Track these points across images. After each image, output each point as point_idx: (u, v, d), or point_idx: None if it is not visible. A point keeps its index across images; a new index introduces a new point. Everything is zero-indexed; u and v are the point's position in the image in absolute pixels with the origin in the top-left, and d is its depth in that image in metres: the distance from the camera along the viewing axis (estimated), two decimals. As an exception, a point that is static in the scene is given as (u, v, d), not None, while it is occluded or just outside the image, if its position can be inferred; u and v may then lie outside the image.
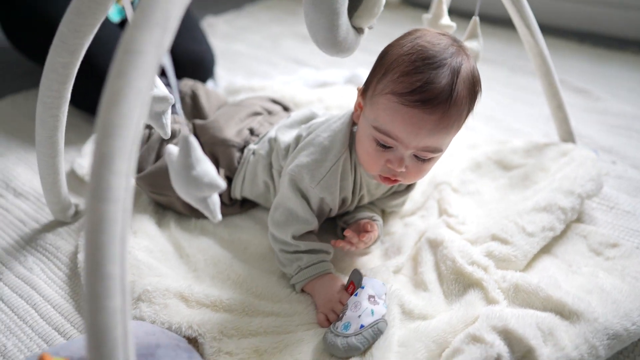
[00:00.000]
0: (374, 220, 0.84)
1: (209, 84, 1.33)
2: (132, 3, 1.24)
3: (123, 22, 1.25)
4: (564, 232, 0.85)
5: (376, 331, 0.65)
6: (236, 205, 0.91)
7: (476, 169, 1.03)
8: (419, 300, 0.72)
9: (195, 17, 1.35)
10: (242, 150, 0.89)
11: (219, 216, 0.54)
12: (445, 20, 0.92)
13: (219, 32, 1.84)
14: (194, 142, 0.51)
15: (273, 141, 0.86)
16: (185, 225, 0.88)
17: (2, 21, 1.24)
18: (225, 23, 1.94)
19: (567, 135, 1.06)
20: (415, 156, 0.67)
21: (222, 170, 0.88)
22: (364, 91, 0.71)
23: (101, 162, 0.37)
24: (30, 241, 0.85)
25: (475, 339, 0.62)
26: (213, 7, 2.06)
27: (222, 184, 0.50)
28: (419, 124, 0.63)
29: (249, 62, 1.62)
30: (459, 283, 0.73)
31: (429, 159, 0.69)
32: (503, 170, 1.03)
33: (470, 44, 0.84)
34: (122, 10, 1.25)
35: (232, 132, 0.89)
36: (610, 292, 0.70)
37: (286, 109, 1.03)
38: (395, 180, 0.71)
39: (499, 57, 1.67)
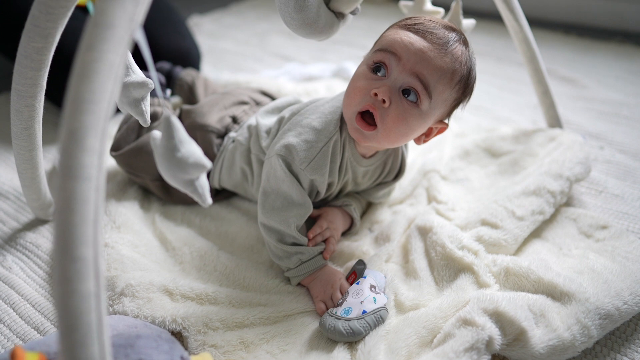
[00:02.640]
0: (346, 205, 0.83)
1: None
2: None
3: None
4: (553, 216, 0.85)
5: (378, 318, 0.64)
6: (210, 193, 0.90)
7: (465, 156, 1.03)
8: (410, 290, 0.71)
9: (180, 13, 1.34)
10: (222, 137, 0.87)
11: (209, 199, 0.52)
12: (429, 6, 0.92)
13: (205, 30, 1.82)
14: (176, 122, 0.50)
15: (252, 127, 0.84)
16: (171, 218, 0.86)
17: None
18: (212, 21, 1.92)
19: (555, 121, 1.06)
20: (402, 92, 0.65)
21: None
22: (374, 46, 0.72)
23: (71, 138, 0.36)
24: (10, 240, 0.83)
25: (466, 322, 0.61)
26: (199, 6, 2.04)
27: (208, 162, 0.49)
28: (418, 43, 0.64)
29: (236, 58, 1.60)
30: (450, 268, 0.72)
31: (412, 105, 0.66)
32: (492, 157, 1.02)
33: (464, 22, 0.84)
34: None
35: (213, 118, 0.87)
36: (601, 273, 0.70)
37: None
38: (371, 126, 0.67)
39: (486, 48, 1.67)
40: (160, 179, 0.88)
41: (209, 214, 0.87)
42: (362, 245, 0.81)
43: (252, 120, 0.86)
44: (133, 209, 0.85)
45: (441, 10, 0.90)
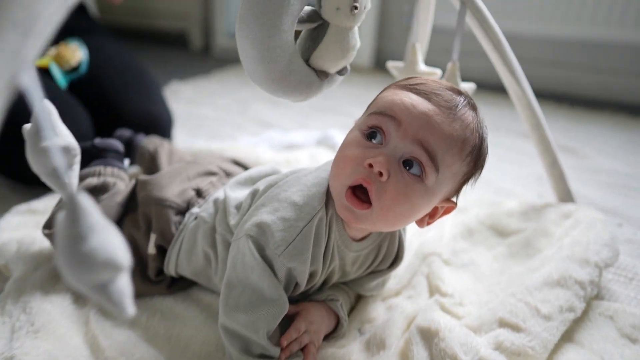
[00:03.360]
0: (331, 300, 0.67)
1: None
2: (80, 67, 1.13)
3: (73, 86, 1.12)
4: (584, 313, 0.69)
5: None
6: (163, 284, 0.73)
7: (468, 235, 0.89)
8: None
9: (153, 78, 1.25)
10: (183, 214, 0.72)
11: (130, 309, 0.37)
12: (423, 67, 0.82)
13: (184, 97, 1.74)
14: (85, 202, 0.35)
15: (219, 202, 0.69)
16: (110, 316, 0.68)
17: None
18: (192, 88, 1.85)
19: (565, 195, 0.94)
20: (403, 164, 0.54)
21: (154, 237, 0.71)
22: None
23: None
24: None
25: None
26: (180, 73, 1.99)
27: (126, 261, 0.34)
28: (422, 106, 0.54)
29: (215, 125, 1.50)
30: (465, 390, 0.55)
31: (416, 179, 0.53)
32: (499, 237, 0.88)
33: (463, 85, 0.74)
34: (69, 73, 1.13)
35: (173, 191, 0.73)
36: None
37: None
38: (364, 204, 0.54)
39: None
40: None
41: (160, 309, 0.70)
42: (350, 353, 0.63)
43: (219, 194, 0.72)
44: (62, 305, 0.67)
45: (438, 71, 0.81)
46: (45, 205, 0.89)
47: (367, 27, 2.15)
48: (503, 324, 0.63)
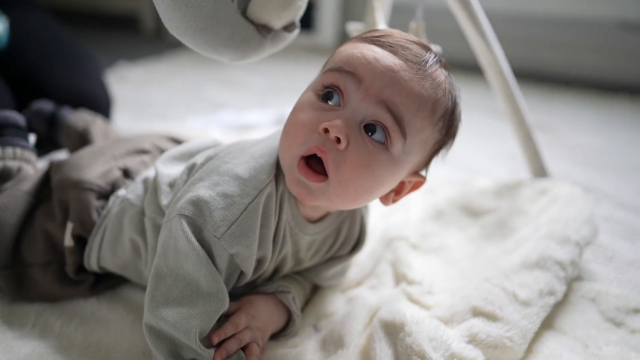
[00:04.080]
0: (281, 292, 0.57)
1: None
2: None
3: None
4: (565, 296, 0.62)
5: None
6: (86, 283, 0.61)
7: (438, 217, 0.81)
8: None
9: (87, 53, 1.11)
10: (107, 197, 0.61)
11: None
12: (384, 27, 0.73)
13: (132, 80, 1.60)
14: None
15: (149, 181, 0.59)
16: (16, 323, 0.56)
17: None
18: (142, 70, 1.71)
19: (540, 171, 0.87)
20: (365, 129, 0.46)
21: (70, 226, 0.59)
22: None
23: None
24: None
25: None
26: (129, 55, 1.83)
27: None
28: (387, 59, 0.46)
29: (164, 108, 1.37)
30: (435, 392, 0.47)
31: (379, 147, 0.46)
32: (472, 217, 0.81)
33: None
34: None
35: (95, 171, 0.61)
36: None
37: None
38: (319, 176, 0.46)
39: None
40: (9, 267, 0.60)
41: (80, 313, 0.59)
42: (303, 353, 0.54)
43: (149, 172, 0.61)
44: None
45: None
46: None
47: (330, 5, 2.05)
48: (477, 313, 0.55)
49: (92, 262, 0.60)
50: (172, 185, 0.56)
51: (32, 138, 0.72)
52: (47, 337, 0.55)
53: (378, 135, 0.46)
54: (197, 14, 0.46)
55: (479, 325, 0.53)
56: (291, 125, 0.48)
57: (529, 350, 0.54)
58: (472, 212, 0.82)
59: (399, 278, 0.64)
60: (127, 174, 0.64)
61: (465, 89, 1.84)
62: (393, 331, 0.53)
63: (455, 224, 0.79)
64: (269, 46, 0.59)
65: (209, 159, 0.53)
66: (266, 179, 0.49)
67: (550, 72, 1.79)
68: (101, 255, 0.59)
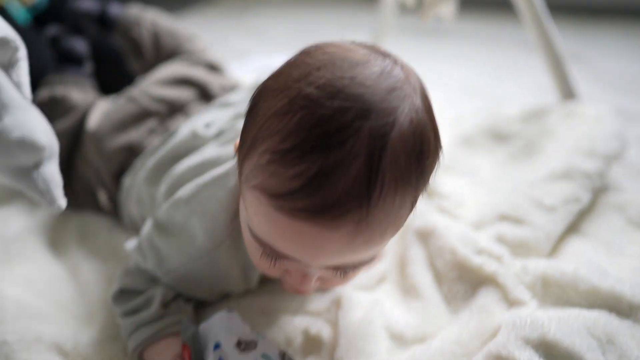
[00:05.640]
0: None
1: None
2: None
3: (39, 21, 1.03)
4: (591, 205, 0.65)
5: None
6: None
7: (467, 144, 0.83)
8: (410, 315, 0.51)
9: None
10: (117, 177, 0.64)
11: (60, 200, 0.33)
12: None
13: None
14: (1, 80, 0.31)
15: (139, 190, 0.59)
16: (91, 240, 0.64)
17: None
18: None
19: (568, 94, 0.87)
20: (331, 267, 0.39)
21: (102, 193, 0.66)
22: (237, 152, 0.39)
23: None
24: None
25: (502, 361, 0.40)
26: (159, 6, 1.86)
27: (43, 141, 0.30)
28: (316, 242, 0.34)
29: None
30: (465, 282, 0.52)
31: (358, 267, 0.40)
32: (500, 142, 0.83)
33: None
34: (31, 9, 1.03)
35: (104, 153, 0.63)
36: (679, 273, 0.50)
37: (207, 94, 0.69)
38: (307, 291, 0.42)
39: (475, 32, 1.51)
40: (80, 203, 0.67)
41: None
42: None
43: (139, 175, 0.60)
44: (39, 231, 0.64)
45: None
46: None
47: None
48: (504, 218, 0.59)
49: (127, 223, 0.65)
50: (152, 200, 0.55)
51: (88, 66, 0.75)
52: (121, 259, 0.63)
53: (348, 272, 0.40)
54: None
55: (506, 228, 0.58)
56: (251, 257, 0.42)
57: (554, 250, 0.58)
58: (500, 137, 0.84)
59: (430, 193, 0.68)
60: (132, 151, 0.63)
61: (495, 23, 1.81)
62: (424, 236, 0.58)
63: (484, 148, 0.82)
64: None
65: (171, 195, 0.49)
66: (216, 241, 0.45)
67: (588, 3, 1.72)
68: (137, 221, 0.62)
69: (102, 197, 0.66)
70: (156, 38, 0.79)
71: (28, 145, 0.29)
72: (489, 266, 0.51)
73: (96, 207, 0.67)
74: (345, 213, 0.32)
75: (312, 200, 0.32)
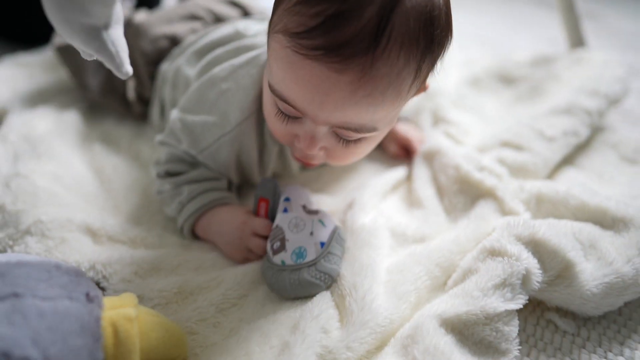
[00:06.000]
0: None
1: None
2: None
3: None
4: (588, 142, 0.69)
5: (340, 241, 0.48)
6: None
7: (475, 84, 0.86)
8: (411, 221, 0.55)
9: None
10: (155, 63, 0.68)
11: (127, 66, 0.36)
12: None
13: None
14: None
15: (178, 71, 0.63)
16: (114, 146, 0.68)
17: None
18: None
19: (578, 42, 0.89)
20: (336, 134, 0.44)
21: (132, 82, 0.69)
22: (269, 24, 0.44)
23: None
24: None
25: (494, 253, 0.45)
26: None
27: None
28: (323, 86, 0.38)
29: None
30: (465, 194, 0.56)
31: (359, 140, 0.45)
32: (507, 84, 0.86)
33: None
34: None
35: (148, 36, 0.68)
36: (663, 196, 0.54)
37: (248, 15, 0.77)
38: (312, 165, 0.49)
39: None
40: (109, 90, 0.70)
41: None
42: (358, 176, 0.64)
43: (180, 59, 0.64)
44: (64, 135, 0.68)
45: None
46: (34, 59, 0.86)
47: None
48: (506, 144, 0.63)
49: (155, 120, 0.69)
50: (186, 85, 0.60)
51: None
52: (142, 161, 0.67)
53: (351, 139, 0.44)
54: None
55: (507, 153, 0.61)
56: (268, 119, 0.47)
57: (550, 176, 0.62)
58: (507, 79, 0.86)
59: (437, 119, 0.71)
60: (174, 40, 0.68)
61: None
62: (430, 157, 0.62)
63: (491, 89, 0.84)
64: None
65: (208, 65, 0.55)
66: (243, 114, 0.50)
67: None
68: (165, 116, 0.67)
69: (130, 86, 0.69)
70: None
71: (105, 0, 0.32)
72: (489, 181, 0.55)
73: (122, 98, 0.70)
74: (352, 55, 0.36)
75: (326, 39, 0.36)
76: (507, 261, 0.43)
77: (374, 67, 0.37)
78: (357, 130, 0.43)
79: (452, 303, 0.42)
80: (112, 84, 0.70)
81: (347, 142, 0.44)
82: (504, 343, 0.40)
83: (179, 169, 0.54)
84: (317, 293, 0.45)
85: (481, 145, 0.64)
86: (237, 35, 0.61)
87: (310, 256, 0.45)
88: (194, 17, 0.72)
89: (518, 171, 0.60)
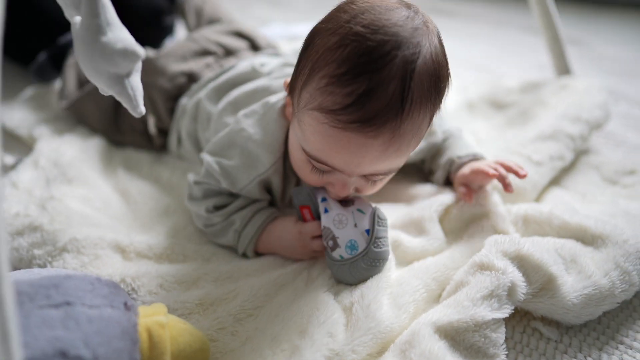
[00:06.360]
0: (477, 159, 0.64)
1: (167, 41, 1.20)
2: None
3: None
4: (572, 164, 0.74)
5: (381, 222, 0.53)
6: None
7: (468, 110, 0.92)
8: (414, 240, 0.60)
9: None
10: (174, 98, 0.74)
11: (142, 107, 0.42)
12: None
13: None
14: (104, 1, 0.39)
15: (198, 106, 0.69)
16: (136, 171, 0.74)
17: None
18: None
19: (564, 70, 0.96)
20: (366, 177, 0.52)
21: (151, 119, 0.75)
22: (291, 88, 0.51)
23: None
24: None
25: (483, 267, 0.50)
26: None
27: (141, 50, 0.38)
28: (360, 151, 0.45)
29: (217, 26, 1.49)
30: (460, 220, 0.61)
31: (385, 176, 0.53)
32: (497, 109, 0.92)
33: None
34: None
35: (167, 74, 0.73)
36: (638, 215, 0.59)
37: (255, 46, 0.84)
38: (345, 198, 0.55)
39: (481, 12, 1.58)
40: (129, 130, 0.76)
41: (181, 167, 0.76)
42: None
43: (201, 93, 0.70)
44: (91, 160, 0.73)
45: None
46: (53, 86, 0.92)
47: None
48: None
49: (173, 148, 0.76)
50: (208, 119, 0.66)
51: None
52: (162, 183, 0.72)
53: (377, 180, 0.52)
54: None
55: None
56: (301, 171, 0.53)
57: (538, 198, 0.68)
58: (498, 105, 0.92)
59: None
60: (191, 77, 0.74)
61: (503, 8, 1.87)
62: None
63: (483, 114, 0.91)
64: None
65: (233, 108, 0.62)
66: (272, 158, 0.56)
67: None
68: (180, 149, 0.74)
69: (151, 123, 0.75)
70: (199, 9, 0.95)
71: (130, 54, 0.38)
72: (483, 207, 0.60)
73: (144, 133, 0.76)
74: (384, 123, 0.43)
75: (360, 114, 0.43)
76: (495, 275, 0.48)
77: (402, 128, 0.44)
78: (385, 174, 0.51)
79: (445, 312, 0.46)
80: (130, 123, 0.76)
81: (375, 181, 0.52)
82: (492, 348, 0.45)
83: (224, 201, 0.59)
84: (380, 271, 0.51)
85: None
86: (254, 73, 0.67)
87: (361, 246, 0.51)
88: (206, 52, 0.78)
89: (509, 195, 0.65)
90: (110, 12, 0.40)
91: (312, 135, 0.47)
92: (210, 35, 0.81)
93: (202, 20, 0.95)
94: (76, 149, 0.74)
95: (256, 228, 0.57)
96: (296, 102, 0.49)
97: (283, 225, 0.57)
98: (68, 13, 0.43)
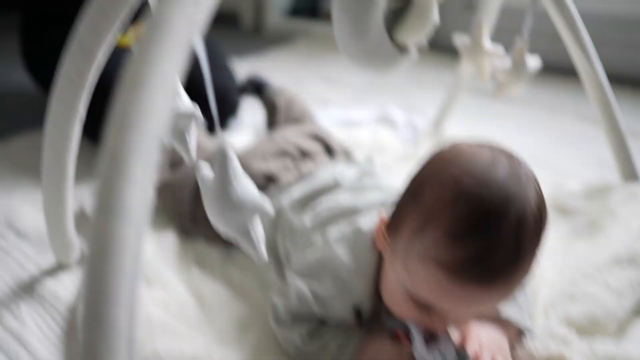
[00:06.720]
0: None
1: (230, 121, 1.27)
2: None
3: None
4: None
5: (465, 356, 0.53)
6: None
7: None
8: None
9: (223, 53, 1.31)
10: None
11: (264, 255, 0.44)
12: (488, 45, 0.85)
13: (241, 74, 1.81)
14: (232, 155, 0.42)
15: (280, 214, 0.71)
16: (208, 271, 0.76)
17: (25, 55, 1.21)
18: (249, 65, 1.92)
19: (631, 175, 0.94)
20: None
21: None
22: (390, 226, 0.52)
23: (112, 163, 0.27)
24: (27, 287, 0.74)
25: None
26: (233, 52, 2.05)
27: (269, 206, 0.41)
28: (474, 301, 0.46)
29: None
30: None
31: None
32: (563, 217, 0.90)
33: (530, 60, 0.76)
34: None
35: (249, 172, 0.75)
36: None
37: (329, 149, 0.87)
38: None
39: (537, 99, 1.59)
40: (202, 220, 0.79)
41: (251, 268, 0.77)
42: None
43: (284, 200, 0.73)
44: (165, 257, 0.76)
45: (499, 51, 0.83)
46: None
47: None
48: (572, 298, 0.65)
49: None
50: (291, 232, 0.69)
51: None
52: (234, 286, 0.73)
53: None
54: (369, 42, 0.60)
55: (574, 309, 0.64)
56: (397, 307, 0.53)
57: (620, 330, 0.64)
58: (563, 211, 0.91)
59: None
60: (270, 179, 0.77)
61: (557, 93, 1.90)
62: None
63: (550, 221, 0.89)
64: (404, 63, 0.73)
65: (321, 225, 0.64)
66: (364, 287, 0.57)
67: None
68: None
69: None
70: (289, 105, 1.04)
71: (257, 207, 0.41)
72: (556, 348, 0.58)
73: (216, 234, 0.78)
74: (500, 275, 0.44)
75: (479, 270, 0.44)
76: None
77: (516, 276, 0.45)
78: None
79: None
80: (205, 216, 0.78)
81: (473, 314, 0.53)
82: None
83: (316, 327, 0.59)
84: None
85: (549, 300, 0.67)
86: (336, 185, 0.71)
87: None
88: (284, 153, 0.81)
89: (586, 327, 0.62)
90: (238, 167, 0.43)
91: (423, 283, 0.47)
92: (290, 136, 0.85)
93: (289, 117, 1.02)
94: (153, 245, 0.77)
95: (353, 351, 0.57)
96: (402, 246, 0.49)
97: (380, 349, 0.56)
98: (188, 159, 0.46)
